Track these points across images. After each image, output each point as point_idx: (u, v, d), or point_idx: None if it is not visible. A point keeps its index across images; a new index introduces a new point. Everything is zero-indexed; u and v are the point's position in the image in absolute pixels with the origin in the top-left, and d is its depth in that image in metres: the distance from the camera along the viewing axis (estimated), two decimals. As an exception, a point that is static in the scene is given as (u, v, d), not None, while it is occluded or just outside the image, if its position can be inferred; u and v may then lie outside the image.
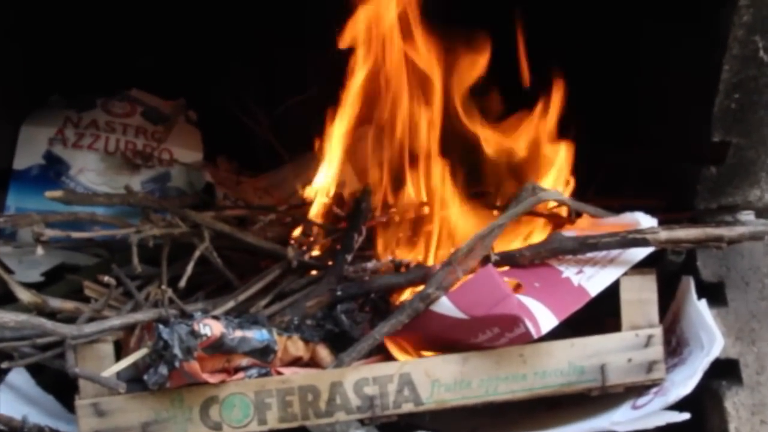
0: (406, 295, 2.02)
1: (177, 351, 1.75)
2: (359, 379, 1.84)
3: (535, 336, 1.78)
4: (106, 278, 1.87)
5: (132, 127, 2.67)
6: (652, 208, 2.04)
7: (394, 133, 2.31)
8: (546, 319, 1.80)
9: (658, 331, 1.90)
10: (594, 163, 2.34)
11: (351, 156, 2.47)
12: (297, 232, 2.24)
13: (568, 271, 1.91)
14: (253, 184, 2.74)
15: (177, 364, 1.75)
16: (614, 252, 1.92)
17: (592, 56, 2.52)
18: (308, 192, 2.39)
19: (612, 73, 2.43)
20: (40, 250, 1.94)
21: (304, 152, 2.68)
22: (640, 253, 1.90)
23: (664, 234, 1.88)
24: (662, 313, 1.94)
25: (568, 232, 1.99)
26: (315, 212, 2.31)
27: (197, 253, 2.00)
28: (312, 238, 2.20)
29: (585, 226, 2.04)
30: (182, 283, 1.93)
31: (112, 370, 1.79)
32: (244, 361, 1.85)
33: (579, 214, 2.08)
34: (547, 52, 2.24)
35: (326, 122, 2.34)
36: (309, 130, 2.50)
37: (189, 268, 1.96)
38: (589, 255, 1.93)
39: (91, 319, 1.89)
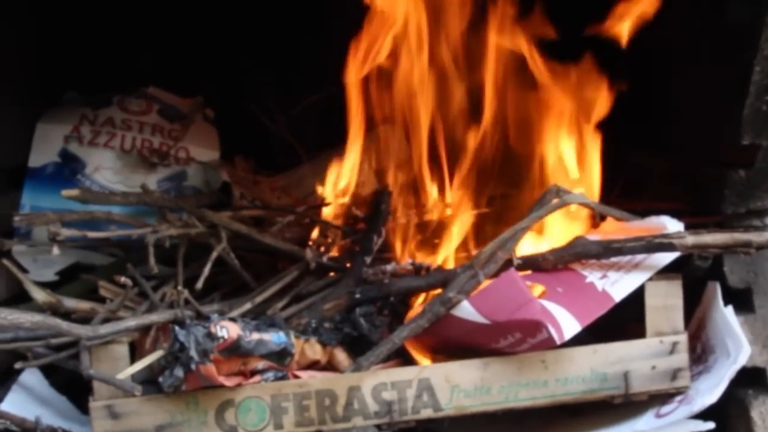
0: (424, 298, 2.02)
1: (193, 353, 1.75)
2: (377, 384, 1.84)
3: (558, 342, 1.78)
4: (122, 279, 1.87)
5: (148, 125, 2.66)
6: (678, 211, 2.03)
7: (417, 132, 2.31)
8: (569, 325, 1.79)
9: (683, 338, 1.89)
10: (616, 164, 2.33)
11: (371, 155, 2.47)
12: (315, 233, 2.25)
13: (592, 276, 1.91)
14: (270, 183, 2.74)
15: (193, 366, 1.76)
16: (639, 257, 1.91)
17: (614, 54, 2.51)
18: (326, 192, 2.39)
19: (635, 72, 2.41)
20: (56, 250, 1.94)
21: (323, 151, 2.68)
22: (666, 258, 1.90)
23: (691, 239, 1.87)
24: (687, 319, 1.93)
25: (592, 235, 1.99)
26: (333, 213, 2.32)
27: (214, 254, 2.00)
28: (330, 240, 2.20)
29: (610, 230, 2.03)
30: (199, 284, 1.94)
31: (127, 372, 1.80)
32: (261, 364, 1.86)
33: (603, 218, 2.07)
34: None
35: (345, 120, 2.34)
36: (327, 129, 2.50)
37: (206, 270, 1.96)
38: (614, 260, 1.92)
39: (106, 320, 1.90)
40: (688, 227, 1.95)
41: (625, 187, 2.39)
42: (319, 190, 2.44)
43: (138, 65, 2.83)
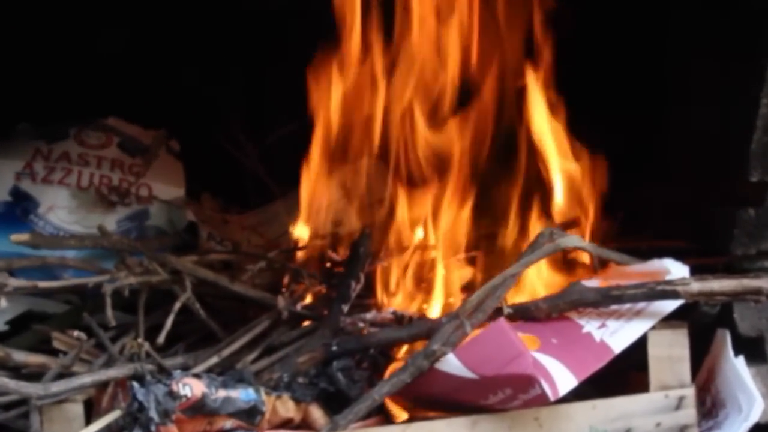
0: (407, 350, 2.01)
1: (153, 414, 1.74)
2: (356, 445, 1.83)
3: (552, 398, 1.77)
4: (76, 333, 1.87)
5: (107, 160, 2.66)
6: (684, 251, 2.04)
7: (399, 166, 2.31)
8: (564, 380, 1.79)
9: (690, 392, 1.90)
10: (618, 197, 2.34)
11: (349, 192, 2.47)
12: (288, 279, 2.25)
13: (590, 325, 1.91)
14: (240, 222, 2.74)
15: (153, 428, 1.74)
16: (641, 303, 1.92)
17: (618, 79, 2.53)
18: (300, 232, 2.39)
19: (639, 99, 2.43)
20: (3, 303, 1.94)
21: (297, 187, 2.68)
22: (670, 305, 1.90)
23: (696, 285, 1.88)
24: (695, 369, 1.94)
25: (590, 281, 1.99)
26: (308, 255, 2.31)
27: (177, 305, 2.00)
28: (304, 286, 2.20)
29: (609, 275, 2.04)
30: (161, 338, 1.94)
31: (82, 434, 1.79)
32: (228, 424, 1.84)
33: (604, 262, 2.07)
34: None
35: (318, 154, 2.35)
36: (302, 162, 2.50)
37: (168, 323, 1.96)
38: (613, 307, 1.93)
39: (59, 376, 1.89)
40: (694, 269, 1.96)
41: (628, 221, 2.40)
42: (293, 230, 2.43)
43: (99, 92, 2.83)
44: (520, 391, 1.78)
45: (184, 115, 2.81)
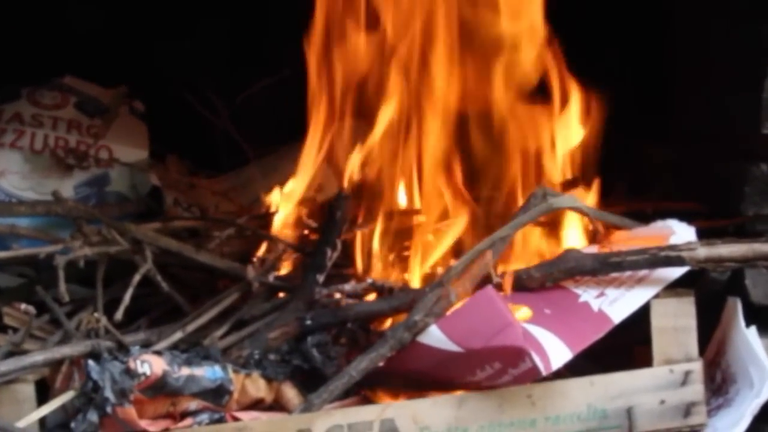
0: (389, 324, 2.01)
1: (108, 394, 1.74)
2: (332, 426, 1.82)
3: (545, 372, 1.77)
4: (24, 306, 1.86)
5: (63, 121, 2.65)
6: (692, 213, 2.04)
7: (385, 127, 2.30)
8: (558, 352, 1.79)
9: (697, 366, 1.90)
10: (623, 158, 2.33)
11: (330, 154, 2.47)
12: (260, 248, 2.24)
13: (587, 294, 1.91)
14: (210, 186, 2.74)
15: (109, 409, 1.75)
16: (643, 271, 1.92)
17: (624, 32, 2.52)
18: (275, 198, 2.38)
19: (644, 55, 2.43)
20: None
21: (273, 149, 2.67)
22: (675, 271, 1.90)
23: (704, 251, 1.88)
24: (703, 342, 1.94)
25: (587, 247, 1.98)
26: (282, 223, 2.30)
27: (137, 278, 2.00)
28: (277, 255, 2.19)
29: (609, 240, 2.04)
30: (119, 315, 1.93)
31: (32, 417, 1.79)
32: (193, 405, 1.85)
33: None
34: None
35: (299, 112, 2.33)
36: (280, 122, 2.49)
37: (127, 297, 1.96)
38: (613, 275, 1.93)
39: (9, 354, 1.89)
40: (701, 233, 1.96)
41: (633, 183, 2.40)
42: (267, 195, 2.42)
43: (54, 51, 2.82)
44: (510, 365, 1.78)
45: (147, 70, 2.80)
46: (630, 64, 2.52)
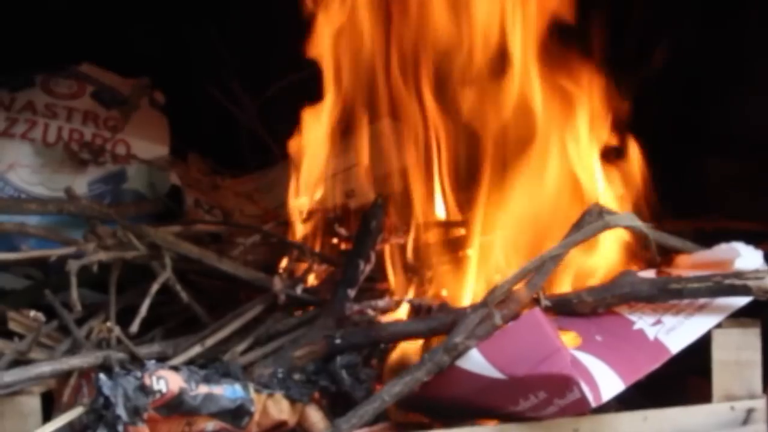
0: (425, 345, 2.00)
1: (121, 411, 1.73)
2: (361, 455, 1.83)
3: (594, 404, 1.76)
4: (33, 313, 1.86)
5: (79, 112, 2.67)
6: (758, 234, 2.02)
7: (425, 129, 2.29)
8: (609, 383, 1.77)
9: (761, 404, 1.89)
10: (678, 172, 2.31)
11: (364, 158, 2.46)
12: (287, 257, 2.24)
13: (642, 321, 1.90)
14: (233, 187, 2.75)
15: (120, 428, 1.73)
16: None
17: (678, 32, 2.51)
18: (303, 203, 2.38)
19: (703, 55, 2.41)
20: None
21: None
22: (740, 299, 1.89)
23: (772, 280, 1.86)
24: (768, 377, 1.93)
25: (644, 271, 1.98)
26: (311, 231, 2.30)
27: (155, 287, 2.00)
28: (306, 265, 2.19)
29: (668, 263, 2.04)
30: (134, 327, 1.94)
31: (38, 432, 1.78)
32: (211, 425, 1.83)
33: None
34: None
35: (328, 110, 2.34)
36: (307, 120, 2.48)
37: (144, 309, 1.96)
38: (671, 301, 1.92)
39: (14, 363, 1.89)
40: (769, 256, 1.94)
41: (689, 200, 2.39)
42: (295, 199, 2.42)
43: (72, 37, 2.82)
44: (556, 395, 1.77)
45: (171, 61, 2.81)
46: (685, 62, 2.49)
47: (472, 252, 2.19)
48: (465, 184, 2.29)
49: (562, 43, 2.25)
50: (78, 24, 2.80)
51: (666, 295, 1.91)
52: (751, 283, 1.86)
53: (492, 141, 2.27)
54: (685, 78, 2.50)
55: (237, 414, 1.84)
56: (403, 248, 2.21)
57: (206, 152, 2.84)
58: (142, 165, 2.64)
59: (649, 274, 1.99)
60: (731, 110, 2.45)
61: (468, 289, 2.16)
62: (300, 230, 2.33)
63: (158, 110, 2.76)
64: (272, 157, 2.80)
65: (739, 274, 1.88)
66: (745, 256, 1.94)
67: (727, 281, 1.88)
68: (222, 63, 2.83)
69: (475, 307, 1.89)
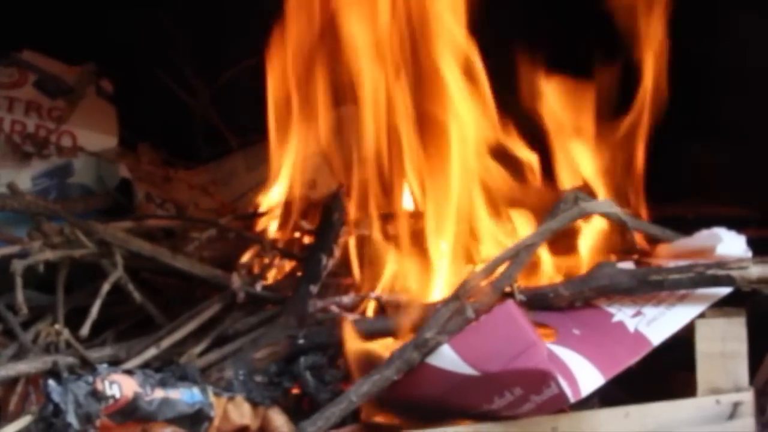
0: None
1: (72, 419, 1.73)
2: (327, 460, 1.83)
3: (573, 399, 1.76)
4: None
5: (21, 102, 2.66)
6: (741, 220, 2.04)
7: (390, 114, 2.30)
8: (588, 377, 1.79)
9: (747, 397, 1.90)
10: (663, 159, 2.33)
11: (326, 146, 2.46)
12: (246, 253, 2.24)
13: (622, 313, 1.91)
14: (187, 179, 2.76)
15: (72, 436, 1.74)
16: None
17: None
18: (261, 194, 2.38)
19: (687, 44, 2.43)
20: None
21: (259, 137, 2.66)
22: (723, 289, 1.90)
23: (756, 270, 1.87)
24: (754, 368, 1.94)
25: (624, 262, 1.99)
26: (271, 224, 2.30)
27: (106, 287, 2.00)
28: (266, 261, 2.19)
29: (655, 252, 2.06)
30: (85, 330, 1.94)
31: (-18, 444, 1.78)
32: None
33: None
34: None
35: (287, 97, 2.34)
36: (267, 107, 2.48)
37: (94, 310, 1.96)
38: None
39: (-45, 370, 1.88)
40: (753, 243, 1.96)
41: (675, 188, 2.40)
42: (253, 191, 2.42)
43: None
44: (533, 391, 1.77)
45: (118, 46, 2.80)
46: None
47: (441, 243, 2.20)
48: (435, 172, 2.30)
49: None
50: (17, 8, 2.78)
51: (646, 287, 1.92)
52: (734, 273, 1.87)
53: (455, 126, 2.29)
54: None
55: (196, 419, 1.84)
56: (369, 241, 2.21)
57: (158, 143, 2.85)
58: (89, 157, 2.64)
59: (629, 264, 2.00)
60: (721, 99, 2.47)
61: (438, 283, 2.16)
62: (259, 224, 2.34)
63: (106, 99, 2.76)
64: (228, 147, 2.80)
65: (722, 264, 1.89)
66: (727, 242, 1.96)
67: (710, 271, 1.89)
68: (173, 47, 2.82)
69: (446, 302, 1.89)
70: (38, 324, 2.06)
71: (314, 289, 2.05)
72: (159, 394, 1.81)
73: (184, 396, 1.83)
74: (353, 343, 1.92)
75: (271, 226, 2.33)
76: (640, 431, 1.87)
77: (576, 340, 1.85)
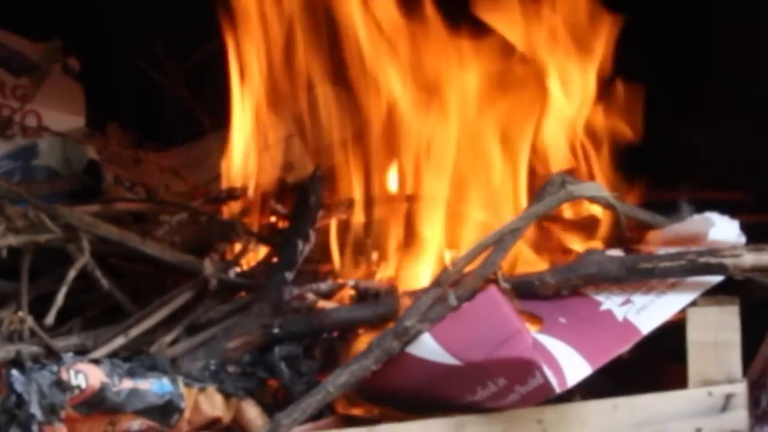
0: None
1: (35, 410, 1.73)
2: (303, 453, 1.83)
3: (558, 390, 1.77)
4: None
5: (-18, 81, 2.66)
6: (735, 204, 2.04)
7: (370, 95, 2.30)
8: (574, 367, 1.79)
9: (740, 389, 1.91)
10: (653, 139, 2.33)
11: (302, 127, 2.46)
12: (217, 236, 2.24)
13: (610, 301, 1.91)
14: (158, 162, 2.75)
15: (35, 428, 1.73)
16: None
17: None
18: (237, 177, 2.38)
19: (681, 20, 2.44)
20: None
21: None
22: (716, 276, 1.91)
23: (750, 258, 1.88)
24: (747, 359, 1.95)
25: (612, 249, 2.00)
26: (245, 208, 2.31)
27: (73, 273, 2.00)
28: (240, 246, 2.20)
29: (645, 239, 2.06)
30: (50, 318, 1.94)
31: (-59, 437, 1.78)
32: (136, 424, 1.84)
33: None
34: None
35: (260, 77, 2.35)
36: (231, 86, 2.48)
37: (60, 298, 1.96)
38: (641, 280, 1.95)
39: None
40: (747, 229, 1.97)
41: (664, 168, 2.41)
42: (226, 174, 2.42)
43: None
44: (517, 381, 1.78)
45: (85, 22, 2.79)
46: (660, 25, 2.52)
47: (424, 228, 2.20)
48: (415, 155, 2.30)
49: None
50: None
51: (636, 275, 1.93)
52: (727, 261, 1.88)
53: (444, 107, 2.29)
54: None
55: (165, 411, 1.84)
56: (347, 226, 2.22)
57: (127, 123, 2.84)
58: (55, 138, 2.64)
59: (617, 252, 2.00)
60: (714, 75, 2.47)
61: (420, 270, 2.17)
62: (232, 208, 2.34)
63: (72, 77, 2.75)
64: (201, 128, 2.80)
65: (714, 252, 1.90)
66: (719, 227, 1.97)
67: (702, 259, 1.90)
68: (143, 22, 2.82)
69: (427, 289, 1.90)
70: (1, 312, 2.05)
71: (290, 275, 2.06)
72: (127, 384, 1.81)
73: (154, 387, 1.84)
74: None
75: (245, 210, 2.33)
76: (629, 424, 1.87)
77: (562, 328, 1.86)
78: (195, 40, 2.84)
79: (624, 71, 2.30)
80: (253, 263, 2.21)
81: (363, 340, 1.99)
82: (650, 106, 2.30)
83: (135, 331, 2.00)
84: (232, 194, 2.37)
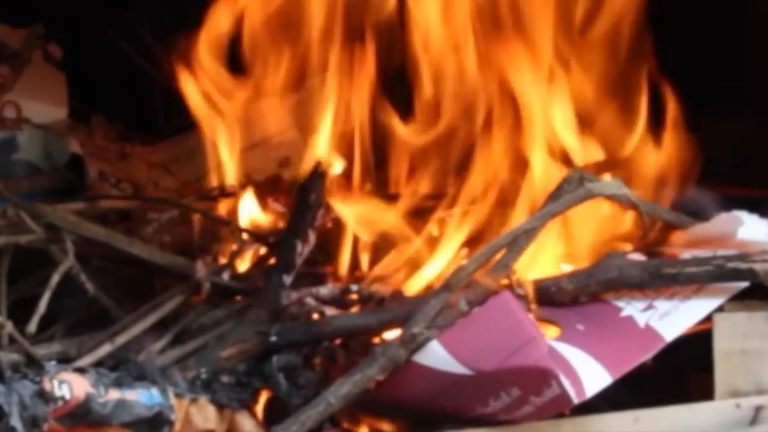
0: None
1: (16, 422, 1.73)
2: (302, 469, 1.84)
3: (576, 400, 1.77)
4: None
5: (-42, 69, 2.67)
6: (765, 201, 2.06)
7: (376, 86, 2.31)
8: (593, 376, 1.79)
9: (771, 401, 1.92)
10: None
11: (302, 119, 2.47)
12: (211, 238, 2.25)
13: (631, 307, 1.92)
14: (146, 156, 2.76)
15: (16, 442, 1.75)
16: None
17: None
18: (230, 173, 2.39)
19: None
20: None
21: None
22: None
23: (782, 262, 1.89)
24: (778, 369, 1.95)
25: (633, 253, 2.00)
26: (239, 206, 2.31)
27: (56, 277, 2.00)
28: (234, 247, 2.20)
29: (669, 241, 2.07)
30: (32, 325, 1.94)
31: None
32: (124, 438, 1.85)
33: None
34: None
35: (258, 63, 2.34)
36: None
37: (42, 304, 1.96)
38: (664, 285, 1.95)
39: None
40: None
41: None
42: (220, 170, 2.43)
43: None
44: (532, 391, 1.78)
45: (68, 7, 2.79)
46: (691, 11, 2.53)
47: (434, 228, 2.21)
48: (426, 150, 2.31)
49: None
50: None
51: (659, 281, 1.93)
52: (757, 266, 1.88)
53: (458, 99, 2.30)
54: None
55: (155, 423, 1.84)
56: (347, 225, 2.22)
57: (113, 115, 2.84)
58: (35, 131, 2.65)
59: (639, 255, 2.01)
60: (747, 65, 2.48)
61: (428, 274, 2.17)
62: (226, 205, 2.34)
63: (54, 65, 2.76)
64: (191, 121, 2.79)
65: (743, 256, 1.90)
66: (748, 226, 1.98)
67: (730, 264, 1.90)
68: (130, 7, 2.82)
69: (436, 293, 1.89)
70: (-21, 318, 2.07)
71: (288, 279, 2.06)
72: (114, 395, 1.81)
73: (142, 397, 1.84)
74: None
75: (239, 208, 2.33)
76: (652, 437, 1.89)
77: (580, 336, 1.86)
78: (185, 26, 2.84)
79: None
80: (248, 266, 2.21)
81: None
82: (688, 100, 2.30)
83: (122, 338, 2.00)
84: (226, 191, 2.37)
